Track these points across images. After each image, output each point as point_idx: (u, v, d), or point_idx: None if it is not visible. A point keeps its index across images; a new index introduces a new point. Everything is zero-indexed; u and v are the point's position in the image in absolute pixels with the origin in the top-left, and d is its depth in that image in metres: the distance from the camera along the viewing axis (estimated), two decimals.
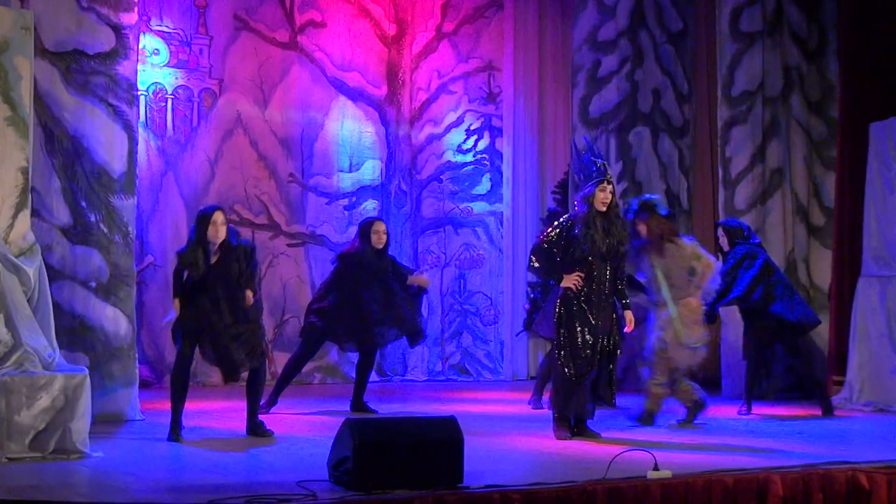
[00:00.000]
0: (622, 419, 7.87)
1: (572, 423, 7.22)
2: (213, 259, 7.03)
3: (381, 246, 8.61)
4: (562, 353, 7.14)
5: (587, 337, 7.10)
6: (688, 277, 7.85)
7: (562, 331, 7.15)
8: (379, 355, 11.84)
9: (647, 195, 8.45)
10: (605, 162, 7.38)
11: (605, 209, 7.17)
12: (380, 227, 8.67)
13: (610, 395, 7.30)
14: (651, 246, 7.87)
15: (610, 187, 7.20)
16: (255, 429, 7.17)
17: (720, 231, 8.92)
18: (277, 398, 8.44)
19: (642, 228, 7.87)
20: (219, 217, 7.05)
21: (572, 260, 7.16)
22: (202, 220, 7.05)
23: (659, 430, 7.62)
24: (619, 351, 7.32)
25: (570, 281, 7.13)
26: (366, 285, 8.49)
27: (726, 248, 8.80)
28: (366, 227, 8.67)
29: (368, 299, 8.47)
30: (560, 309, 7.19)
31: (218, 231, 7.02)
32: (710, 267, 7.94)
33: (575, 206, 7.40)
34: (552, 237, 7.25)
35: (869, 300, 9.23)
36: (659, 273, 7.84)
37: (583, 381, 7.13)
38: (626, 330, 7.35)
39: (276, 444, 6.85)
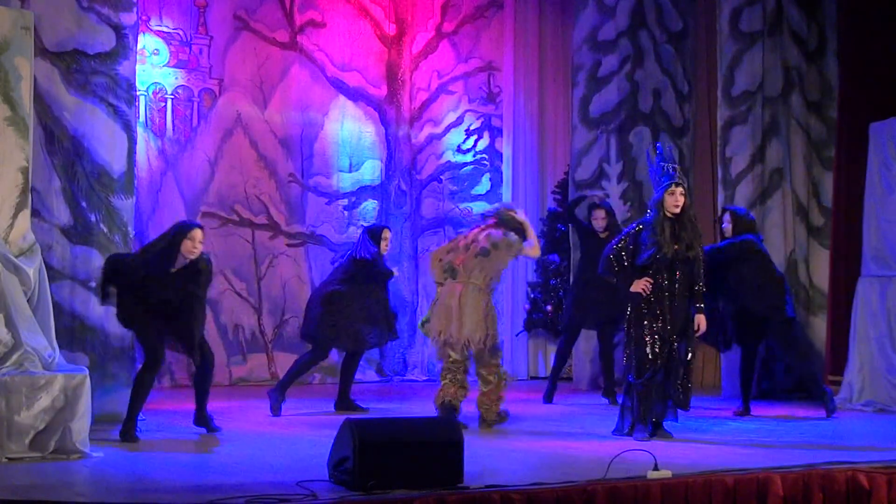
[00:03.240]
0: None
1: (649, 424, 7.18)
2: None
3: (385, 252, 8.87)
4: (626, 355, 7.22)
5: (654, 342, 7.10)
6: None
7: (631, 333, 7.19)
8: (379, 355, 11.87)
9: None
10: (678, 165, 7.39)
11: (678, 212, 7.18)
12: (388, 234, 8.92)
13: (682, 397, 7.22)
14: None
15: (679, 190, 7.19)
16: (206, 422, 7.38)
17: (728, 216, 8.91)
18: (283, 398, 8.47)
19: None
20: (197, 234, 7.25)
21: (641, 265, 7.18)
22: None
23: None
24: (691, 355, 7.27)
25: (639, 286, 7.14)
26: (370, 289, 8.73)
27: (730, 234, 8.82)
28: (376, 232, 8.85)
29: (371, 303, 8.71)
30: (630, 313, 7.22)
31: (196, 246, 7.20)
32: None
33: (647, 210, 7.45)
34: (621, 244, 7.28)
35: (869, 300, 9.23)
36: None
37: (648, 385, 7.11)
38: (696, 334, 7.32)
39: (276, 444, 6.85)
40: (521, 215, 8.01)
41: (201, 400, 7.42)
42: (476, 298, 7.63)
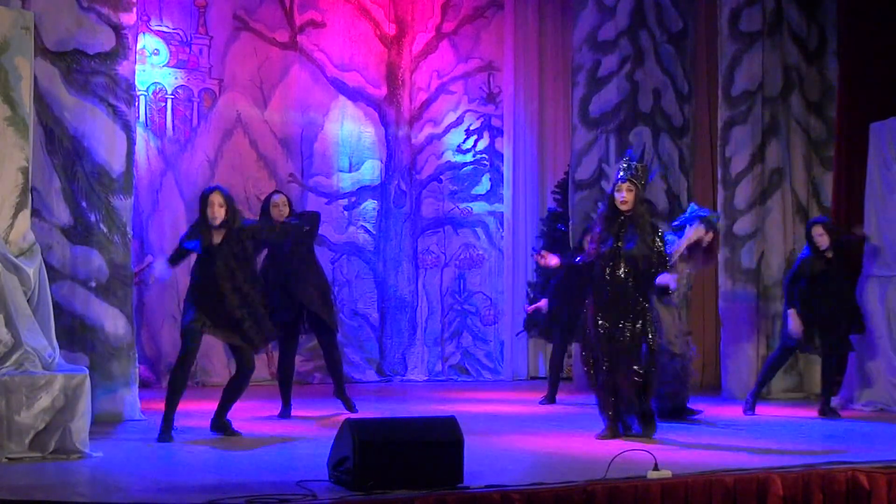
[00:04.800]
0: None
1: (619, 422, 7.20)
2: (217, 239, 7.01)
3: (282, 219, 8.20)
4: (581, 354, 7.34)
5: (600, 338, 7.11)
6: None
7: (585, 332, 7.27)
8: (379, 355, 11.87)
9: (705, 210, 8.56)
10: (638, 163, 7.29)
11: (626, 209, 7.15)
12: (279, 199, 8.34)
13: (638, 398, 7.14)
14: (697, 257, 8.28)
15: (626, 186, 7.13)
16: (223, 427, 7.22)
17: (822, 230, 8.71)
18: (289, 402, 8.42)
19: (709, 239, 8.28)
20: (216, 198, 7.02)
21: (591, 262, 7.22)
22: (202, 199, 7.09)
23: (659, 431, 7.61)
24: (649, 349, 7.12)
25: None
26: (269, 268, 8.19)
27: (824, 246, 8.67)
28: (265, 203, 8.37)
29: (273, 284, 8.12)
30: (585, 310, 7.31)
31: (215, 212, 6.99)
32: None
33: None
34: (582, 242, 7.47)
35: (869, 300, 9.22)
36: (685, 280, 8.29)
37: (598, 382, 7.14)
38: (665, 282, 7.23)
39: (276, 444, 6.85)
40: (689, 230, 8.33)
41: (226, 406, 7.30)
42: (661, 311, 8.06)
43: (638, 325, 7.12)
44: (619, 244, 7.13)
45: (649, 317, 7.20)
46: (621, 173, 7.23)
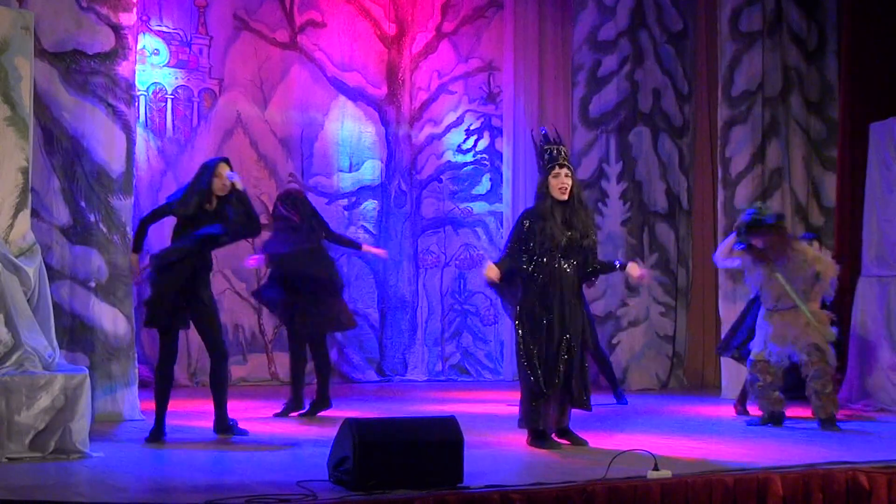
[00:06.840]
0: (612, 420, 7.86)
1: (553, 432, 6.83)
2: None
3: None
4: (525, 363, 6.67)
5: (550, 341, 6.60)
6: (812, 282, 7.88)
7: (524, 339, 6.67)
8: (379, 355, 11.87)
9: (748, 212, 8.06)
10: (563, 146, 6.77)
11: (565, 197, 6.60)
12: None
13: (583, 397, 6.83)
14: (769, 257, 7.87)
15: (565, 171, 6.59)
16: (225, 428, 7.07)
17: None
18: (301, 401, 8.41)
19: (758, 243, 7.87)
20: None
21: (532, 257, 6.59)
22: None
23: (658, 430, 7.62)
24: (586, 349, 6.86)
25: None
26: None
27: None
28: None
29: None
30: (521, 316, 6.70)
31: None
32: (831, 268, 7.97)
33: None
34: (511, 241, 6.72)
35: (869, 300, 9.23)
36: (780, 280, 7.82)
37: (553, 389, 6.65)
38: (640, 275, 6.90)
39: (276, 445, 6.85)
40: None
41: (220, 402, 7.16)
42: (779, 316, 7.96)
43: (586, 324, 6.82)
44: (571, 235, 6.61)
45: (587, 314, 6.89)
46: (553, 158, 6.61)
